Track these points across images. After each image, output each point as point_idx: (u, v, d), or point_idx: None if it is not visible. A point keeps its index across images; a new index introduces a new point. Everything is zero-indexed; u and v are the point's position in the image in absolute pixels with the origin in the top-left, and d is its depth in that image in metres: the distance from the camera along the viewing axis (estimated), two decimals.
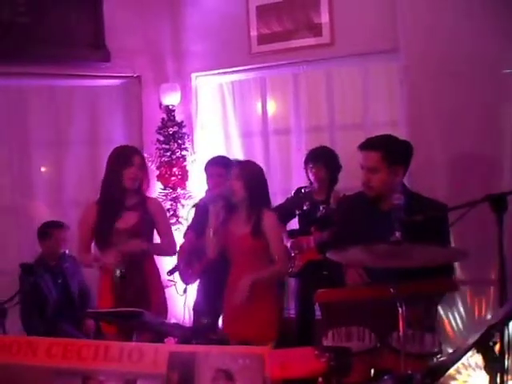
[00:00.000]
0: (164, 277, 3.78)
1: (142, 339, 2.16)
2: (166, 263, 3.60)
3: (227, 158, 3.38)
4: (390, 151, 2.30)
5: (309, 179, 3.58)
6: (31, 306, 3.47)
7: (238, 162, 2.81)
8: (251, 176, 2.69)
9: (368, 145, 2.36)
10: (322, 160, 3.48)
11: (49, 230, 3.64)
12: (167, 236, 2.91)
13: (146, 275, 2.76)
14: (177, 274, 3.36)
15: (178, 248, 3.07)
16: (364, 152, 2.35)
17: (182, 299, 3.62)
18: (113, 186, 2.74)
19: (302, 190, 3.51)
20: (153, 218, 2.81)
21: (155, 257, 2.92)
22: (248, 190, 2.65)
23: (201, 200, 3.35)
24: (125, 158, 2.75)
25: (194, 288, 3.49)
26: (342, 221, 2.56)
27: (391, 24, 3.62)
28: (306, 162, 3.57)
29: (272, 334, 2.64)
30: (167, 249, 2.96)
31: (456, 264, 3.15)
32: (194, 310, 3.47)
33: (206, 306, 3.22)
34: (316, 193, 3.48)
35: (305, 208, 3.39)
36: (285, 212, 3.58)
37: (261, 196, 2.71)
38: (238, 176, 2.68)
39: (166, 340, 2.24)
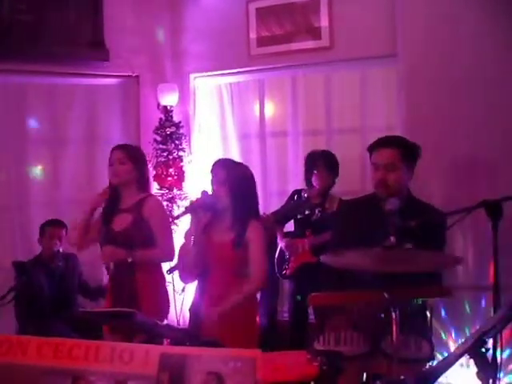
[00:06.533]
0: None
1: (134, 340, 2.14)
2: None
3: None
4: (407, 149, 2.26)
5: (309, 182, 3.55)
6: (22, 304, 3.46)
7: (224, 166, 2.58)
8: (237, 182, 2.48)
9: (385, 142, 2.30)
10: (328, 166, 3.45)
11: (43, 228, 3.67)
12: (161, 242, 2.69)
13: (138, 283, 2.65)
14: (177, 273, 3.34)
15: (177, 252, 2.82)
16: (380, 149, 2.28)
17: (179, 299, 3.60)
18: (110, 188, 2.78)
19: (303, 194, 3.49)
20: (148, 222, 2.66)
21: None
22: (232, 197, 2.47)
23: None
24: (109, 160, 2.76)
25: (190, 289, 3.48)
26: (345, 225, 2.50)
27: (390, 29, 3.63)
28: (310, 166, 3.52)
29: (251, 339, 2.49)
30: (161, 257, 2.75)
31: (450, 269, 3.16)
32: (190, 310, 3.45)
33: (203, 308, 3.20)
34: (313, 196, 3.47)
35: (306, 213, 3.37)
36: (285, 217, 3.58)
37: (247, 204, 2.51)
38: (222, 181, 2.49)
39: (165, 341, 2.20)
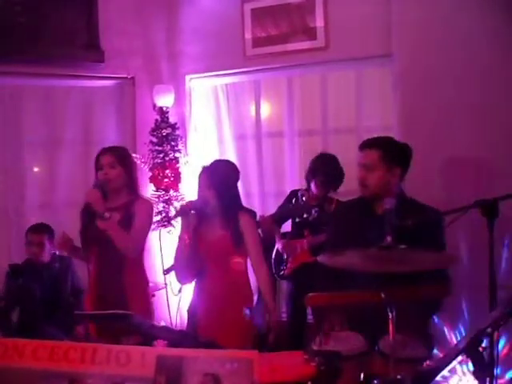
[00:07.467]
0: (157, 279, 3.79)
1: (130, 342, 2.13)
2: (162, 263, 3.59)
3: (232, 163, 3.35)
4: (388, 151, 2.31)
5: (308, 184, 3.54)
6: (11, 307, 3.43)
7: (206, 169, 2.70)
8: (221, 183, 2.63)
9: (367, 144, 2.37)
10: (331, 175, 3.41)
11: (26, 234, 3.60)
12: (134, 234, 2.62)
13: (125, 284, 2.64)
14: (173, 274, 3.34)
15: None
16: (363, 150, 2.36)
17: (176, 300, 3.57)
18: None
19: (300, 195, 3.48)
20: (134, 218, 2.65)
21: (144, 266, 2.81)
22: (219, 197, 2.61)
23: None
24: (96, 162, 2.69)
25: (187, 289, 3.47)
26: (338, 226, 2.55)
27: (385, 29, 3.63)
28: (313, 174, 3.46)
29: (248, 336, 2.60)
30: (128, 244, 2.60)
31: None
32: (188, 311, 3.44)
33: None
34: (310, 200, 3.46)
35: (305, 216, 3.37)
36: (283, 218, 3.57)
37: (233, 201, 2.67)
38: (207, 185, 2.63)
39: (155, 342, 2.22)
